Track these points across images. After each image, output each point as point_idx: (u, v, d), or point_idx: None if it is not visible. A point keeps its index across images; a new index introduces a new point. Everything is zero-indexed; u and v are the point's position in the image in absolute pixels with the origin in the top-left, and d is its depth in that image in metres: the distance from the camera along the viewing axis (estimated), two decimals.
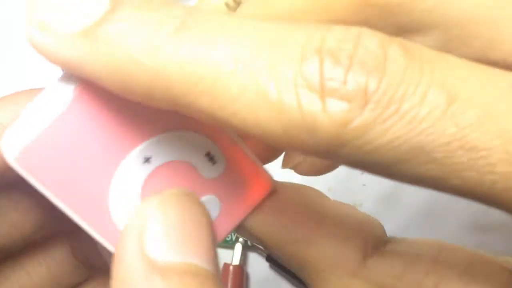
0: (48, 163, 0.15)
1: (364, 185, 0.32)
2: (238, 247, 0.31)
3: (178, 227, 0.16)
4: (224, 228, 0.18)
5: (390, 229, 0.33)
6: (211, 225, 0.17)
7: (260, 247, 0.31)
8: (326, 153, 0.12)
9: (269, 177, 0.19)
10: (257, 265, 0.32)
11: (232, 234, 0.31)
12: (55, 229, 0.20)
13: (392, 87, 0.12)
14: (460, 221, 0.32)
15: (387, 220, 0.32)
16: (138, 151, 0.16)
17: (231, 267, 0.31)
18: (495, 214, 0.32)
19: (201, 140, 0.17)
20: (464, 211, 0.32)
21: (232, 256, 0.31)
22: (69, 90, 0.15)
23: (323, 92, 0.12)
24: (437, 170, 0.13)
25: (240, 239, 0.31)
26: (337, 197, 0.33)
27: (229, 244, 0.32)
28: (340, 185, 0.32)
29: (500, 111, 0.12)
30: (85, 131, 0.15)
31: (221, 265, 0.31)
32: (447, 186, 0.14)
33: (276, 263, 0.31)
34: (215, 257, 0.16)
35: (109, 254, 0.17)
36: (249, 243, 0.31)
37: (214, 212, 0.18)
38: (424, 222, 0.32)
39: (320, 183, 0.32)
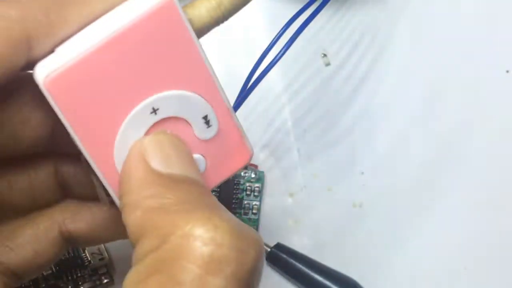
0: (72, 94, 0.17)
1: (364, 185, 0.32)
2: None
3: (173, 152, 0.18)
4: None
5: (390, 229, 0.33)
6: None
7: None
8: None
9: (250, 149, 0.21)
10: None
11: None
12: (47, 150, 0.21)
13: None
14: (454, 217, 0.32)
15: (387, 220, 0.32)
16: (149, 101, 0.18)
17: None
18: None
19: (202, 103, 0.19)
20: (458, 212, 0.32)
21: None
22: (101, 36, 0.17)
23: None
24: None
25: None
26: (337, 197, 0.33)
27: None
28: (340, 185, 0.32)
29: None
30: (108, 75, 0.18)
31: None
32: None
33: (275, 262, 0.31)
34: (204, 182, 0.19)
35: (103, 188, 0.19)
36: None
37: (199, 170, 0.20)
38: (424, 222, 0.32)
39: (320, 183, 0.32)
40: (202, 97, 0.19)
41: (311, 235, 0.32)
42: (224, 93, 0.20)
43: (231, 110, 0.20)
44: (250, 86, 0.25)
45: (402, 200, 0.32)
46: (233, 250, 0.15)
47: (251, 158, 0.21)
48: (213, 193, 0.31)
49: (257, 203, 0.32)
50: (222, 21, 0.20)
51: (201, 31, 0.19)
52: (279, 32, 0.25)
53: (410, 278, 0.32)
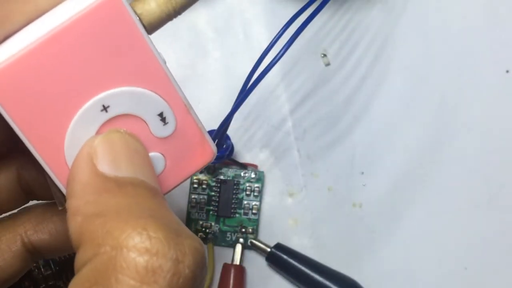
0: (15, 92, 0.17)
1: (364, 185, 0.32)
2: (238, 247, 0.31)
3: (123, 151, 0.18)
4: (164, 187, 0.20)
5: (390, 230, 0.33)
6: (148, 154, 0.19)
7: (261, 246, 0.31)
8: None
9: (213, 147, 0.20)
10: (257, 264, 0.32)
11: (232, 234, 0.31)
12: (9, 154, 0.21)
13: None
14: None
15: (387, 220, 0.32)
16: (98, 98, 0.18)
17: (232, 267, 0.31)
18: None
19: (157, 100, 0.19)
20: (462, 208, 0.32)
21: (232, 256, 0.31)
22: (44, 32, 0.17)
23: None
24: None
25: (241, 239, 0.31)
26: (337, 197, 0.33)
27: (229, 244, 0.32)
28: (340, 185, 0.32)
29: None
30: (52, 71, 0.17)
31: (221, 265, 0.31)
32: None
33: (275, 262, 0.31)
34: (157, 182, 0.18)
35: (57, 188, 0.19)
36: (248, 242, 0.31)
37: (157, 169, 0.20)
38: (423, 221, 0.32)
39: (320, 183, 0.32)
40: (156, 93, 0.19)
41: (311, 235, 0.32)
42: (181, 90, 0.19)
43: (189, 106, 0.19)
44: (250, 86, 0.25)
45: (402, 200, 0.32)
46: (169, 259, 0.15)
47: (214, 156, 0.21)
48: (213, 193, 0.32)
49: (257, 203, 0.32)
50: (175, 16, 0.19)
51: (153, 26, 0.19)
52: (279, 32, 0.25)
53: (410, 278, 0.32)
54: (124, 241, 0.15)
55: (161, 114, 0.19)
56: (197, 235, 0.31)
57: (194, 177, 0.32)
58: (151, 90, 0.18)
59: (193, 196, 0.32)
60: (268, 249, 0.31)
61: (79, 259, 0.16)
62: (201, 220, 0.32)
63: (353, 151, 0.32)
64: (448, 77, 0.33)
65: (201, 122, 0.20)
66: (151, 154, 0.19)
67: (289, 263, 0.31)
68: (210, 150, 0.20)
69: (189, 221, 0.32)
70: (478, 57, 0.32)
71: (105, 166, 0.17)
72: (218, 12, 0.33)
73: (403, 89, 0.33)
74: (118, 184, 0.17)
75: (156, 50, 0.18)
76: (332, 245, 0.32)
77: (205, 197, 0.32)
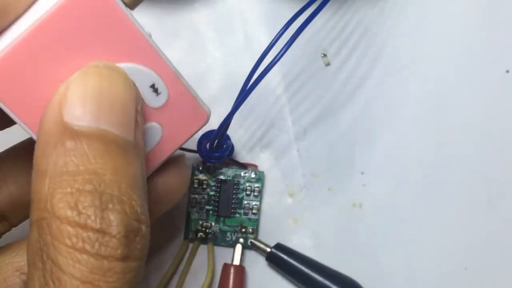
0: (8, 81, 0.18)
1: (364, 185, 0.32)
2: (239, 247, 0.31)
3: (94, 95, 0.17)
4: (164, 152, 0.21)
5: (390, 229, 0.33)
6: (132, 97, 0.18)
7: (261, 246, 0.31)
8: None
9: (206, 109, 0.21)
10: (256, 264, 0.32)
11: (232, 234, 0.31)
12: None
13: None
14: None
15: (387, 220, 0.32)
16: None
17: (232, 267, 0.31)
18: None
19: (147, 73, 0.19)
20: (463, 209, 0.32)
21: (232, 256, 0.31)
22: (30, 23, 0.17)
23: None
24: None
25: (241, 239, 0.31)
26: (337, 197, 0.33)
27: (229, 244, 0.32)
28: (340, 185, 0.32)
29: None
30: (42, 57, 0.18)
31: (221, 265, 0.31)
32: None
33: (275, 262, 0.31)
34: (133, 127, 0.18)
35: None
36: (248, 242, 0.31)
37: (156, 137, 0.21)
38: (423, 222, 0.32)
39: (320, 183, 0.32)
40: (145, 67, 0.19)
41: (311, 235, 0.32)
42: (169, 60, 0.20)
43: (179, 74, 0.20)
44: (250, 86, 0.25)
45: (402, 200, 0.32)
46: (95, 232, 0.16)
47: (208, 117, 0.22)
48: (213, 193, 0.32)
49: (257, 203, 0.32)
50: None
51: (133, 2, 0.19)
52: (279, 32, 0.25)
53: (410, 278, 0.32)
54: (58, 212, 0.16)
55: (153, 86, 0.20)
56: (197, 235, 0.31)
57: (194, 177, 0.32)
58: (140, 64, 0.19)
59: (193, 196, 0.32)
60: (268, 249, 0.31)
61: (30, 216, 0.17)
62: (201, 220, 0.32)
63: (353, 151, 0.32)
64: (448, 77, 0.33)
65: (192, 87, 0.21)
66: (148, 124, 0.20)
67: (289, 263, 0.31)
68: (204, 112, 0.21)
69: (189, 221, 0.32)
70: (478, 57, 0.32)
71: (70, 112, 0.17)
72: (218, 12, 0.33)
73: (403, 89, 0.33)
74: (73, 136, 0.17)
75: (140, 24, 0.19)
76: (332, 245, 0.32)
77: (205, 197, 0.32)
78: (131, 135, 0.18)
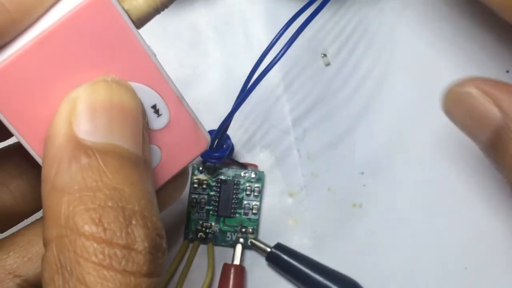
0: (10, 93, 0.17)
1: (364, 185, 0.32)
2: (239, 247, 0.31)
3: (105, 110, 0.17)
4: (161, 177, 0.20)
5: (390, 229, 0.33)
6: (140, 112, 0.18)
7: (261, 246, 0.31)
8: None
9: (206, 136, 0.21)
10: (257, 264, 0.32)
11: (232, 234, 0.31)
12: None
13: None
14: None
15: (387, 220, 0.32)
16: None
17: (232, 267, 0.31)
18: None
19: (149, 93, 0.19)
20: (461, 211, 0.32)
21: (232, 256, 0.31)
22: (35, 34, 0.17)
23: None
24: None
25: (241, 239, 0.31)
26: (337, 197, 0.33)
27: (229, 244, 0.32)
28: (340, 185, 0.32)
29: None
30: (45, 71, 0.18)
31: (221, 265, 0.31)
32: None
33: (275, 262, 0.31)
34: (142, 141, 0.18)
35: None
36: (248, 242, 0.32)
37: (154, 161, 0.20)
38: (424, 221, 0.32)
39: (320, 183, 0.32)
40: (148, 86, 0.19)
41: (311, 235, 0.32)
42: (172, 82, 0.20)
43: (182, 97, 0.20)
44: (250, 86, 0.25)
45: (402, 200, 0.32)
46: (122, 247, 0.16)
47: (208, 145, 0.21)
48: (213, 193, 0.32)
49: (257, 203, 0.32)
50: (162, 9, 0.20)
51: (141, 21, 0.19)
52: (279, 32, 0.25)
53: (410, 278, 0.32)
54: (83, 229, 0.16)
55: (154, 107, 0.19)
56: (197, 235, 0.31)
57: (194, 177, 0.32)
58: (143, 84, 0.19)
59: (193, 196, 0.32)
60: (268, 249, 0.31)
61: (45, 234, 0.16)
62: (201, 220, 0.32)
63: (353, 151, 0.32)
64: (448, 77, 0.33)
65: (194, 112, 0.20)
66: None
67: (289, 263, 0.31)
68: (204, 138, 0.21)
69: (189, 221, 0.32)
70: (478, 57, 0.32)
71: (81, 127, 0.17)
72: (218, 12, 0.33)
73: (403, 89, 0.33)
74: (87, 152, 0.17)
75: (146, 44, 0.19)
76: (332, 245, 0.32)
77: (205, 197, 0.32)
78: (141, 150, 0.18)
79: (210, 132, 0.30)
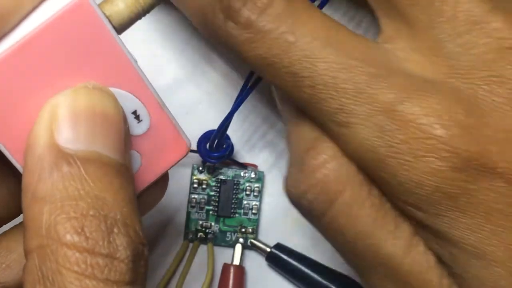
0: None
1: None
2: (238, 247, 0.31)
3: (87, 117, 0.17)
4: (141, 182, 0.20)
5: None
6: (122, 119, 0.18)
7: (261, 246, 0.31)
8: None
9: (187, 142, 0.21)
10: (257, 264, 0.32)
11: (232, 234, 0.31)
12: None
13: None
14: None
15: None
16: None
17: (232, 267, 0.31)
18: None
19: (130, 99, 0.19)
20: None
21: (232, 256, 0.31)
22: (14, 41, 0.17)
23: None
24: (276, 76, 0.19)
25: (241, 239, 0.31)
26: None
27: (229, 244, 0.32)
28: None
29: None
30: (25, 77, 0.17)
31: (221, 265, 0.31)
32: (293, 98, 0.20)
33: (275, 262, 0.31)
34: (124, 149, 0.18)
35: None
36: (248, 242, 0.31)
37: (134, 166, 0.20)
38: None
39: None
40: (129, 93, 0.19)
41: (311, 235, 0.32)
42: (153, 87, 0.20)
43: (162, 103, 0.20)
44: (250, 86, 0.25)
45: None
46: (104, 256, 0.16)
47: (188, 150, 0.21)
48: (213, 193, 0.32)
49: (257, 203, 0.32)
50: (144, 14, 0.20)
51: (122, 26, 0.19)
52: None
53: None
54: (65, 238, 0.16)
55: (135, 112, 0.19)
56: (197, 235, 0.31)
57: (194, 177, 0.32)
58: (124, 90, 0.19)
59: (193, 196, 0.32)
60: (268, 249, 0.31)
61: (26, 243, 0.16)
62: (201, 220, 0.32)
63: None
64: None
65: (174, 118, 0.20)
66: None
67: (289, 263, 0.31)
68: (184, 144, 0.21)
69: (189, 221, 0.32)
70: None
71: (62, 135, 0.17)
72: None
73: None
74: (69, 161, 0.16)
75: (127, 49, 0.19)
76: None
77: (205, 197, 0.32)
78: (123, 157, 0.18)
79: (210, 132, 0.30)
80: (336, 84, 0.18)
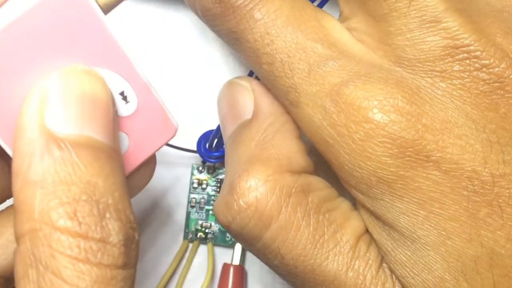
0: None
1: None
2: (238, 247, 0.31)
3: (77, 100, 0.17)
4: (129, 164, 0.20)
5: None
6: (111, 102, 0.18)
7: None
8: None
9: (175, 124, 0.21)
10: (256, 264, 0.32)
11: None
12: None
13: None
14: None
15: None
16: None
17: (232, 267, 0.31)
18: None
19: (118, 79, 0.19)
20: None
21: (232, 256, 0.31)
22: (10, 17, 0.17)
23: None
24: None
25: None
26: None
27: (229, 244, 0.32)
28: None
29: None
30: (11, 58, 0.17)
31: (221, 265, 0.31)
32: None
33: None
34: (113, 132, 0.18)
35: None
36: None
37: (122, 148, 0.20)
38: None
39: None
40: (116, 73, 0.19)
41: None
42: (141, 69, 0.20)
43: (150, 85, 0.20)
44: None
45: None
46: (97, 241, 0.16)
47: (175, 132, 0.21)
48: (213, 193, 0.31)
49: None
50: None
51: (108, 7, 0.19)
52: None
53: None
54: (58, 223, 0.16)
55: (122, 93, 0.19)
56: (197, 235, 0.31)
57: (194, 177, 0.32)
58: (111, 70, 0.19)
59: (193, 196, 0.32)
60: None
61: (17, 227, 0.17)
62: (201, 220, 0.32)
63: None
64: None
65: (162, 99, 0.20)
66: None
67: None
68: (172, 126, 0.21)
69: (189, 221, 0.32)
70: None
71: (53, 119, 0.17)
72: None
73: None
74: (60, 145, 0.16)
75: (113, 30, 0.19)
76: None
77: (205, 196, 0.32)
78: (112, 140, 0.18)
79: (210, 132, 0.30)
80: (292, 63, 0.19)
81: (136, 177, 0.22)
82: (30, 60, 0.18)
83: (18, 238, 0.17)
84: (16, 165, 0.17)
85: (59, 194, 0.16)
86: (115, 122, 0.18)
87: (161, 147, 0.21)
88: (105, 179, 0.17)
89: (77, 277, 0.16)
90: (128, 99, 0.19)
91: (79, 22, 0.18)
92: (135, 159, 0.20)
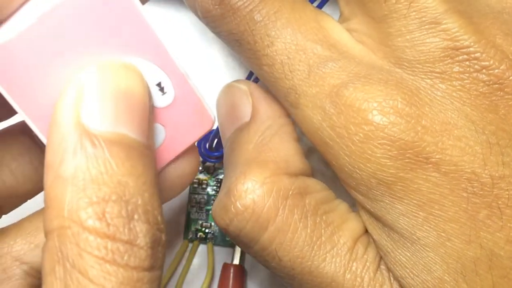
0: (13, 70, 0.17)
1: None
2: (239, 247, 0.31)
3: (114, 97, 0.17)
4: (164, 157, 0.20)
5: None
6: (147, 97, 0.18)
7: None
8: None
9: (212, 115, 0.20)
10: (256, 264, 0.32)
11: None
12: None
13: None
14: None
15: None
16: None
17: (232, 267, 0.31)
18: None
19: (155, 70, 0.19)
20: None
21: (232, 256, 0.31)
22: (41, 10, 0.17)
23: None
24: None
25: None
26: (337, 195, 0.33)
27: (229, 244, 0.32)
28: (340, 185, 0.32)
29: None
30: (49, 47, 0.17)
31: (221, 265, 0.31)
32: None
33: None
34: (148, 129, 0.17)
35: None
36: None
37: (158, 139, 0.19)
38: None
39: (319, 181, 0.32)
40: (154, 64, 0.19)
41: None
42: (178, 59, 0.19)
43: (187, 76, 0.20)
44: None
45: None
46: (124, 243, 0.16)
47: (213, 124, 0.20)
48: (213, 193, 0.32)
49: None
50: None
51: None
52: None
53: None
54: (86, 223, 0.16)
55: (159, 84, 0.19)
56: (196, 235, 0.31)
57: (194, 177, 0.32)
58: (148, 60, 0.18)
59: (193, 196, 0.32)
60: None
61: (46, 222, 0.16)
62: (201, 220, 0.32)
63: None
64: None
65: (199, 91, 0.20)
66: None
67: None
68: (209, 118, 0.20)
69: (189, 221, 0.32)
70: None
71: (88, 115, 0.16)
72: None
73: None
74: (93, 142, 0.16)
75: (151, 19, 0.18)
76: None
77: (205, 196, 0.32)
78: (146, 137, 0.17)
79: (209, 132, 0.30)
80: (292, 64, 0.19)
81: (178, 172, 0.21)
82: (68, 48, 0.17)
83: (46, 234, 0.16)
84: (48, 159, 0.17)
85: (89, 193, 0.16)
86: (150, 117, 0.18)
87: (198, 139, 0.20)
88: (136, 178, 0.17)
89: (104, 277, 0.15)
90: (165, 90, 0.19)
91: (117, 11, 0.18)
92: (172, 151, 0.20)
